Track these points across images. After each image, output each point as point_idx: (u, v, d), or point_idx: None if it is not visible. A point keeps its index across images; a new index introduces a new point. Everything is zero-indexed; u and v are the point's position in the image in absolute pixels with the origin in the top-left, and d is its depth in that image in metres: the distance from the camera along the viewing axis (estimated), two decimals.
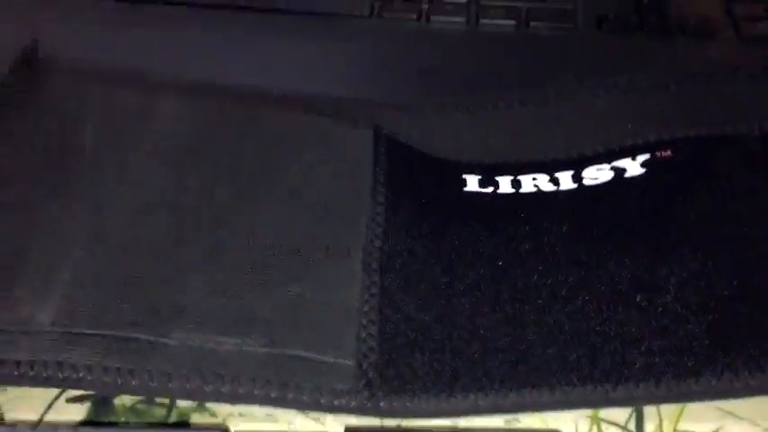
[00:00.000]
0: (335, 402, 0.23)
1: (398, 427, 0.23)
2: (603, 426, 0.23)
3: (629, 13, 0.38)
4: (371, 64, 0.37)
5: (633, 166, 0.29)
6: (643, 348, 0.23)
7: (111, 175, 0.27)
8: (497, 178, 0.29)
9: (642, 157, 0.29)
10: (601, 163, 0.29)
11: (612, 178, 0.29)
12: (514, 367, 0.23)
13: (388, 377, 0.23)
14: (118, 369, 0.22)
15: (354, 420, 0.23)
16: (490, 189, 0.29)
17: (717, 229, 0.27)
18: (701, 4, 0.39)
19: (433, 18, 0.39)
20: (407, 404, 0.22)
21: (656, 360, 0.23)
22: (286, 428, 0.23)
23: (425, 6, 0.39)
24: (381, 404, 0.22)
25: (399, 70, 0.36)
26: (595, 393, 0.23)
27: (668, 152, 0.29)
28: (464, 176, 0.30)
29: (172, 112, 0.29)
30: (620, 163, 0.29)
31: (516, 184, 0.29)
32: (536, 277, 0.25)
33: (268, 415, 0.23)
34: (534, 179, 0.29)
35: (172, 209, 0.26)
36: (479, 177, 0.29)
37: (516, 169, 0.30)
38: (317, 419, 0.23)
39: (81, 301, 0.23)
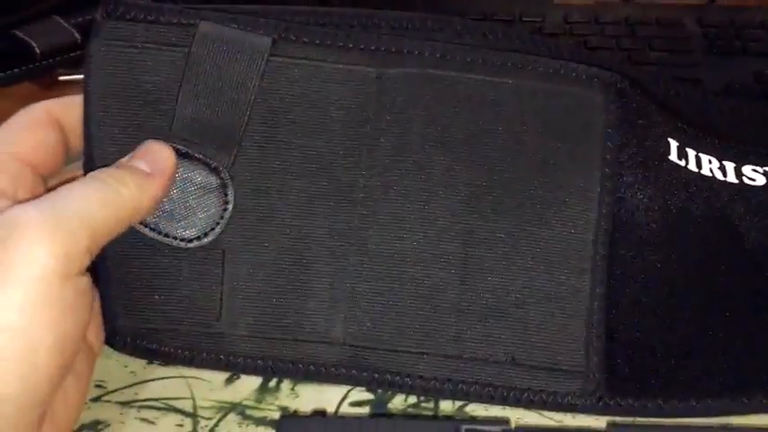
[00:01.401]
0: (567, 402, 0.27)
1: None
2: None
3: (748, 82, 0.44)
4: None
5: None
6: None
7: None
8: (687, 150, 0.32)
9: None
10: (757, 164, 0.33)
11: (766, 183, 0.32)
12: (726, 374, 0.27)
13: (613, 380, 0.27)
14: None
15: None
16: (683, 162, 0.32)
17: None
18: None
19: None
20: (630, 403, 0.27)
21: None
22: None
23: None
24: (609, 403, 0.27)
25: None
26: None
27: None
28: (668, 140, 0.32)
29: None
30: None
31: (699, 162, 0.32)
32: (742, 283, 0.29)
33: None
34: (710, 161, 0.32)
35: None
36: (678, 144, 0.32)
37: (699, 144, 0.32)
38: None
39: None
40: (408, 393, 0.28)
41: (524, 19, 0.51)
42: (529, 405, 0.28)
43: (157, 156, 0.27)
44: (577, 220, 0.29)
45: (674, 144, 0.32)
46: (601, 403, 0.27)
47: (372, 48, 0.29)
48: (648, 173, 0.30)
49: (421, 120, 0.29)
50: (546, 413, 0.28)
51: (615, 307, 0.29)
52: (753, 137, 0.36)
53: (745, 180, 0.33)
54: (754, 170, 0.33)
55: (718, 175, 0.32)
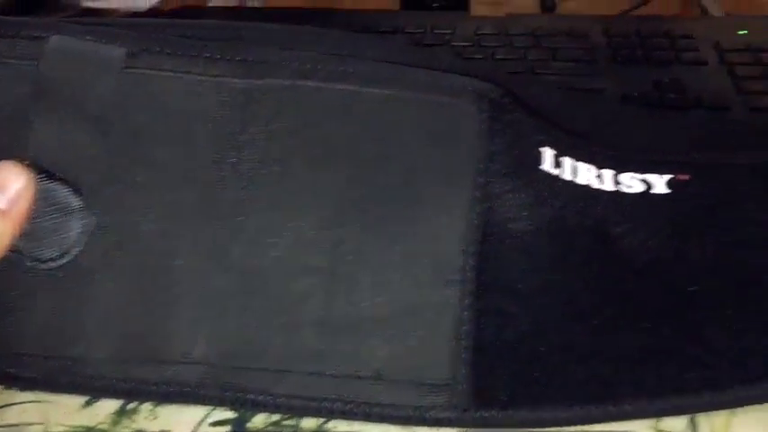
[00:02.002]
0: (433, 417, 0.27)
1: None
2: None
3: (647, 91, 0.44)
4: None
5: (660, 183, 0.33)
6: (687, 366, 0.27)
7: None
8: (562, 159, 0.32)
9: (666, 177, 0.33)
10: (635, 172, 0.33)
11: (644, 190, 0.33)
12: (593, 382, 0.27)
13: (480, 392, 0.27)
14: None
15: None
16: (557, 171, 0.32)
17: (727, 257, 0.31)
18: (713, 83, 0.45)
19: None
20: (496, 416, 0.27)
21: (697, 375, 0.27)
22: None
23: None
24: (475, 416, 0.27)
25: None
26: (655, 403, 0.27)
27: (687, 176, 0.33)
28: (541, 149, 0.32)
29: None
30: (649, 177, 0.33)
31: (575, 171, 0.32)
32: (613, 291, 0.29)
33: None
34: (588, 170, 0.32)
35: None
36: (554, 153, 0.32)
37: (577, 153, 0.33)
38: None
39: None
40: (271, 412, 0.28)
41: (435, 31, 0.51)
42: (393, 421, 0.27)
43: (12, 184, 0.26)
44: (446, 230, 0.28)
45: (548, 153, 0.32)
46: (467, 416, 0.27)
47: (239, 59, 0.29)
48: (520, 182, 0.30)
49: (287, 132, 0.28)
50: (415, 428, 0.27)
51: (485, 318, 0.28)
52: (642, 144, 0.36)
53: (623, 188, 0.33)
54: (633, 177, 0.33)
55: (595, 184, 0.32)
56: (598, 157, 0.33)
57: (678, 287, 0.30)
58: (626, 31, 0.50)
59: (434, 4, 0.61)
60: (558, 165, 0.32)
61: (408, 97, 0.29)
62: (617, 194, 0.33)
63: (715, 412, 0.27)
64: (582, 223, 0.31)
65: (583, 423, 0.27)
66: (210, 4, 0.60)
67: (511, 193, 0.30)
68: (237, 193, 0.28)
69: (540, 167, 0.31)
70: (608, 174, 0.33)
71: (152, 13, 0.46)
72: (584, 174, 0.33)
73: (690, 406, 0.27)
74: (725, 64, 0.47)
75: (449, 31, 0.51)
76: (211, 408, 0.28)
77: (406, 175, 0.28)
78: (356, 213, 0.28)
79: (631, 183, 0.33)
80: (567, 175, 0.32)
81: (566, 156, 0.32)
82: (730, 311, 0.29)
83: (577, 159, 0.33)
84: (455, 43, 0.49)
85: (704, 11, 0.58)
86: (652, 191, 0.34)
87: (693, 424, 0.27)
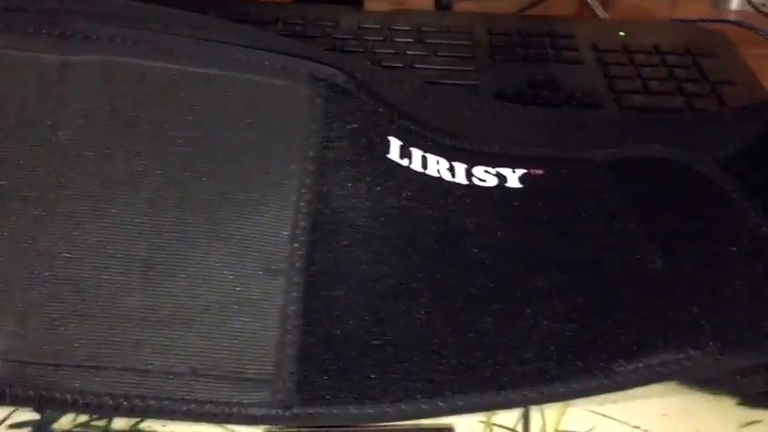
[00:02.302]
0: (253, 414, 0.25)
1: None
2: (495, 429, 0.26)
3: (522, 88, 0.44)
4: None
5: (512, 178, 0.33)
6: (525, 356, 0.27)
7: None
8: (412, 149, 0.32)
9: (519, 172, 0.33)
10: (489, 165, 0.33)
11: (497, 185, 0.33)
12: (424, 376, 0.26)
13: (304, 389, 0.26)
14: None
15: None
16: (405, 162, 0.31)
17: (574, 249, 0.31)
18: (588, 81, 0.45)
19: None
20: (320, 413, 0.25)
21: (536, 366, 0.26)
22: None
23: None
24: (298, 413, 0.25)
25: None
26: (486, 397, 0.26)
27: (540, 171, 0.33)
28: (389, 138, 0.31)
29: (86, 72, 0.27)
30: (503, 170, 0.33)
31: (424, 162, 0.32)
32: (462, 284, 0.28)
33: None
34: (438, 162, 0.32)
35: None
36: (401, 143, 0.31)
37: (425, 144, 0.33)
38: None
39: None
40: (79, 412, 0.26)
41: (318, 23, 0.50)
42: (211, 419, 0.25)
43: None
44: (273, 218, 0.27)
45: (396, 143, 0.31)
46: (289, 413, 0.25)
47: (56, 33, 0.27)
48: (361, 170, 0.29)
49: (104, 111, 0.27)
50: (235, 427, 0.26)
51: (314, 311, 0.27)
52: (500, 139, 0.36)
53: (475, 181, 0.32)
54: (486, 171, 0.33)
55: (447, 176, 0.32)
56: (450, 150, 0.33)
57: (521, 281, 0.29)
58: (508, 30, 0.50)
59: None
60: (406, 155, 0.31)
61: (234, 78, 0.27)
62: (469, 187, 0.32)
63: (548, 405, 0.27)
64: (430, 215, 0.30)
65: (412, 418, 0.26)
66: None
67: (351, 181, 0.29)
68: (50, 177, 0.26)
69: (387, 156, 0.30)
70: (460, 167, 0.33)
71: None
72: (434, 166, 0.32)
73: (522, 400, 0.26)
74: (601, 64, 0.47)
75: (331, 24, 0.50)
76: (13, 409, 0.25)
77: (233, 160, 0.27)
78: (177, 200, 0.26)
79: (484, 176, 0.33)
80: (416, 166, 0.31)
81: (415, 147, 0.32)
82: (574, 305, 0.28)
83: (427, 151, 0.32)
84: (337, 36, 0.48)
85: (593, 14, 0.59)
86: (505, 185, 0.33)
87: (526, 417, 0.26)
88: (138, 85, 0.27)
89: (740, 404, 0.27)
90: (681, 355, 0.26)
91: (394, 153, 0.31)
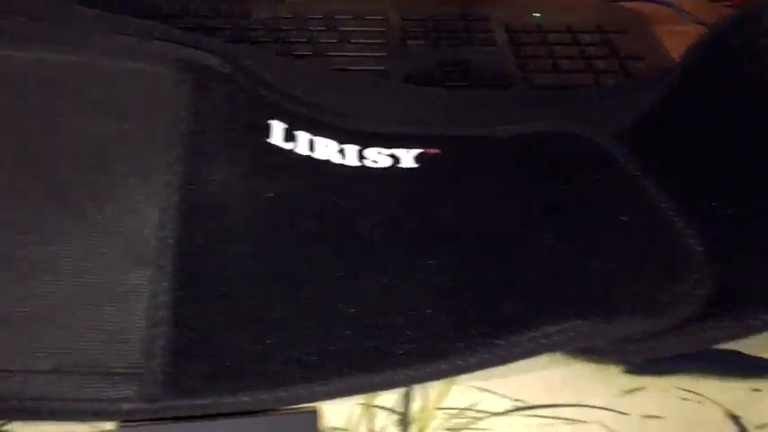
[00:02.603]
0: (120, 409, 0.24)
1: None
2: (376, 411, 0.26)
3: (432, 72, 0.44)
4: None
5: (407, 158, 0.33)
6: (407, 334, 0.26)
7: None
8: (297, 133, 0.31)
9: (415, 151, 0.33)
10: (382, 147, 0.33)
11: (390, 166, 0.32)
12: (295, 363, 0.25)
13: (174, 381, 0.25)
14: None
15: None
16: (290, 145, 0.31)
17: (466, 225, 0.30)
18: (499, 62, 0.45)
19: None
20: (193, 404, 0.24)
21: (418, 345, 0.26)
22: None
23: None
24: (166, 406, 0.24)
25: None
26: (366, 379, 0.25)
27: (436, 150, 0.33)
28: (270, 122, 0.31)
29: None
30: (397, 152, 0.33)
31: (312, 145, 0.31)
32: (351, 268, 0.28)
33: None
34: (327, 145, 0.32)
35: None
36: (285, 127, 0.31)
37: (314, 127, 0.32)
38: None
39: None
40: None
41: (230, 15, 0.49)
42: (77, 417, 0.24)
43: None
44: (143, 207, 0.26)
45: (278, 126, 0.30)
46: (158, 406, 0.24)
47: None
48: (238, 154, 0.29)
49: None
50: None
51: (185, 300, 0.26)
52: (396, 120, 0.36)
53: (368, 163, 0.32)
54: (379, 153, 0.33)
55: (336, 159, 0.31)
56: (342, 132, 0.33)
57: (408, 260, 0.29)
58: (422, 14, 0.50)
59: None
60: (290, 138, 0.31)
61: (98, 64, 0.27)
62: (360, 169, 0.32)
63: (431, 384, 0.26)
64: (313, 198, 0.30)
65: (291, 404, 0.25)
66: None
67: (225, 165, 0.28)
68: None
69: (267, 141, 0.30)
70: (352, 149, 0.32)
71: None
72: (323, 149, 0.31)
73: (404, 380, 0.26)
74: (513, 45, 0.47)
75: (243, 16, 0.49)
76: None
77: (95, 148, 0.26)
78: (35, 192, 0.26)
79: (377, 158, 0.33)
80: (301, 150, 0.31)
81: (302, 130, 0.31)
82: (458, 282, 0.28)
83: (316, 134, 0.32)
84: (250, 27, 0.48)
85: None
86: (398, 165, 0.33)
87: (407, 397, 0.26)
88: (7, 74, 0.26)
89: (625, 372, 0.27)
90: (566, 325, 0.26)
91: (276, 137, 0.30)
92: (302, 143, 0.31)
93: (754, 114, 0.32)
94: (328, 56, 0.45)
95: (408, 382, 0.26)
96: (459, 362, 0.26)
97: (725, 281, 0.28)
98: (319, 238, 0.29)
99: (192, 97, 0.28)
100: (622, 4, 0.54)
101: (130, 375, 0.25)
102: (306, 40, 0.47)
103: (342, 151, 0.32)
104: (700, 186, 0.32)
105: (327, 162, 0.31)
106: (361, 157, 0.32)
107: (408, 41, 0.47)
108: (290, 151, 0.30)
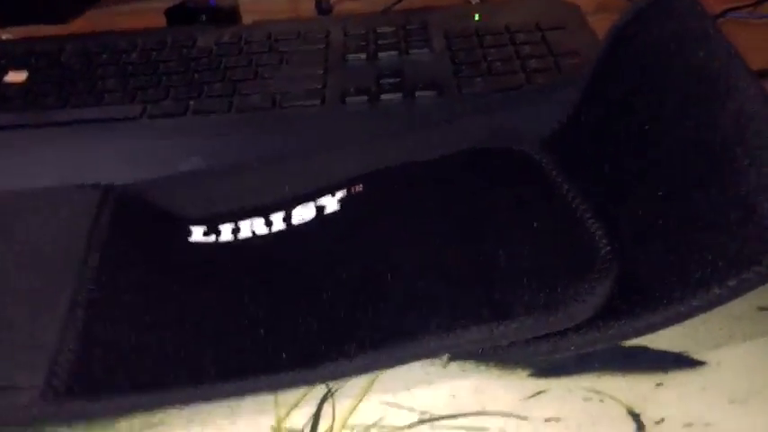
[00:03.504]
0: (20, 415, 0.26)
1: None
2: None
3: (369, 85, 0.44)
4: (143, 159, 0.41)
5: (332, 203, 0.34)
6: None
7: None
8: (220, 227, 0.34)
9: (340, 194, 0.34)
10: (307, 202, 0.34)
11: (315, 216, 0.34)
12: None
13: (71, 392, 0.26)
14: None
15: None
16: (213, 238, 0.34)
17: (395, 254, 0.31)
18: (434, 69, 0.45)
19: (197, 108, 0.44)
20: (81, 409, 0.26)
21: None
22: None
23: (192, 102, 0.44)
24: (62, 411, 0.26)
25: (168, 160, 0.41)
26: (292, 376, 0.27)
27: (360, 187, 0.34)
28: (190, 227, 0.34)
29: None
30: (322, 201, 0.34)
31: (236, 230, 0.34)
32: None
33: None
34: (252, 224, 0.34)
35: None
36: (204, 228, 0.34)
37: (237, 216, 0.35)
38: None
39: None
40: None
41: (175, 45, 0.50)
42: None
43: None
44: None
45: (197, 229, 0.34)
46: (29, 412, 0.26)
47: None
48: (153, 255, 0.32)
49: None
50: None
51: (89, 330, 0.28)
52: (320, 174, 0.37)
53: (294, 221, 0.34)
54: (303, 208, 0.35)
55: (262, 231, 0.34)
56: (264, 209, 0.35)
57: (319, 281, 0.30)
58: (363, 28, 0.51)
59: (202, 18, 0.60)
60: (211, 232, 0.34)
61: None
62: (285, 231, 0.34)
63: (339, 400, 0.27)
64: (233, 276, 0.32)
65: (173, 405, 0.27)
66: None
67: (135, 266, 0.32)
68: None
69: (188, 239, 0.33)
70: (277, 216, 0.34)
71: None
72: (248, 229, 0.34)
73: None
74: (449, 50, 0.47)
75: (188, 44, 0.50)
76: None
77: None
78: None
79: (303, 213, 0.34)
80: (225, 237, 0.34)
81: (222, 224, 0.34)
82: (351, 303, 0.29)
83: (238, 220, 0.34)
84: (192, 56, 0.49)
85: None
86: (324, 213, 0.34)
87: (316, 417, 0.27)
88: None
89: (530, 376, 0.28)
90: (466, 330, 0.27)
91: (197, 235, 0.34)
92: (225, 232, 0.34)
93: (666, 100, 0.32)
94: (265, 78, 0.46)
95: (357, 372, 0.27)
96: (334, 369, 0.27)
97: (633, 277, 0.28)
98: (240, 287, 0.30)
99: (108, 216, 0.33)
100: None
101: (31, 388, 0.26)
102: (245, 64, 0.48)
103: (268, 223, 0.34)
104: (619, 185, 0.32)
105: (252, 237, 0.34)
106: (288, 219, 0.34)
107: (348, 56, 0.48)
108: (211, 243, 0.33)
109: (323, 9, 0.63)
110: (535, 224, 0.31)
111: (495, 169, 0.35)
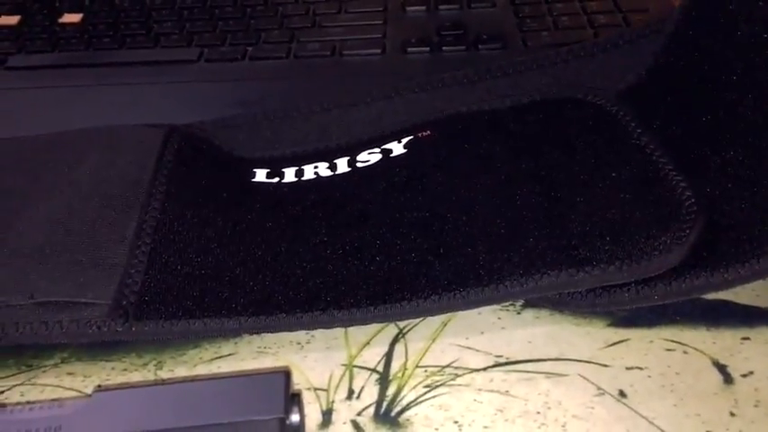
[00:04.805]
0: (90, 331, 0.26)
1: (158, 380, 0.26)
2: (356, 371, 0.26)
3: (430, 36, 0.43)
4: (200, 102, 0.41)
5: (398, 148, 0.33)
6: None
7: None
8: (284, 170, 0.33)
9: (406, 139, 0.33)
10: (372, 147, 0.34)
11: (380, 159, 0.33)
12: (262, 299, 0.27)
13: (140, 311, 0.26)
14: None
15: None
16: (276, 180, 0.33)
17: (466, 198, 0.30)
18: (498, 23, 0.44)
19: (254, 55, 0.43)
20: (151, 328, 0.26)
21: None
22: None
23: (249, 49, 0.43)
24: (132, 329, 0.26)
25: (226, 104, 0.40)
26: (357, 313, 0.26)
27: (428, 132, 0.33)
28: (254, 170, 0.34)
29: None
30: (388, 146, 0.33)
31: (300, 172, 0.33)
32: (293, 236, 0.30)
33: None
34: (316, 167, 0.33)
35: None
36: (267, 170, 0.33)
37: (301, 159, 0.34)
38: None
39: None
40: None
41: None
42: (51, 338, 0.26)
43: None
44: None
45: (261, 172, 0.34)
46: (122, 329, 0.26)
47: None
48: (218, 193, 0.32)
49: None
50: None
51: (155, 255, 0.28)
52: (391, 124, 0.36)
53: (359, 165, 0.33)
54: (370, 153, 0.34)
55: (326, 174, 0.33)
56: (329, 152, 0.34)
57: (406, 239, 0.29)
58: None
59: None
60: (275, 175, 0.33)
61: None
62: (351, 173, 0.33)
63: (411, 341, 0.26)
64: (299, 202, 0.31)
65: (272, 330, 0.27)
66: None
67: (206, 199, 0.31)
68: None
69: (252, 180, 0.33)
70: (342, 161, 0.34)
71: None
72: (311, 171, 0.33)
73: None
74: (512, 5, 0.46)
75: None
76: None
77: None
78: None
79: (368, 158, 0.34)
80: (288, 179, 0.33)
81: (284, 167, 0.34)
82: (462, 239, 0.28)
83: (300, 165, 0.34)
84: (246, 3, 0.48)
85: None
86: (390, 156, 0.33)
87: (388, 356, 0.26)
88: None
89: (609, 326, 0.27)
90: (545, 275, 0.26)
91: (260, 176, 0.33)
92: (289, 174, 0.33)
93: (752, 59, 0.31)
94: (324, 26, 0.45)
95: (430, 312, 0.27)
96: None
97: (719, 230, 0.27)
98: (307, 222, 0.30)
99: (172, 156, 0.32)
100: None
101: (100, 305, 0.27)
102: (303, 12, 0.47)
103: (332, 167, 0.33)
104: (700, 138, 0.31)
105: (316, 178, 0.33)
106: (353, 163, 0.33)
107: (407, 8, 0.47)
108: (275, 183, 0.33)
109: None
110: (614, 174, 0.30)
111: (568, 119, 0.34)
